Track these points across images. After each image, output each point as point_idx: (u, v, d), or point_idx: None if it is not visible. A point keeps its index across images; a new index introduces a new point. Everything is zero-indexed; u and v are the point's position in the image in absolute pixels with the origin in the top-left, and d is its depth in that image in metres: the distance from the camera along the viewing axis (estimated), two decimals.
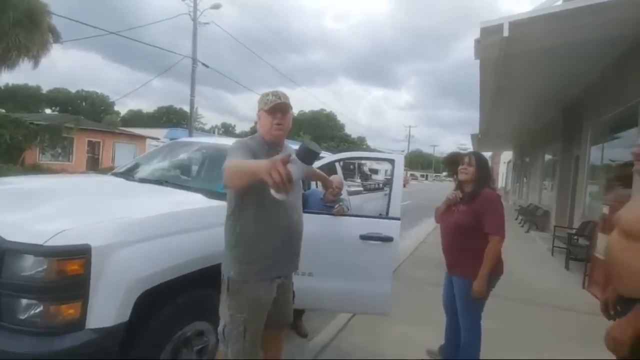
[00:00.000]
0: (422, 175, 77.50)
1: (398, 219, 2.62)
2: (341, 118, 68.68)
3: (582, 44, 4.99)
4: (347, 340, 3.06)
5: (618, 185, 5.90)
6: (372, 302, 2.64)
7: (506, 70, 5.68)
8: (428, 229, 9.26)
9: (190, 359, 1.99)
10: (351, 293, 2.59)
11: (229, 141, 3.51)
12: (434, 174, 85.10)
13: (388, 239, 2.55)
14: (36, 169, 15.23)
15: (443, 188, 36.27)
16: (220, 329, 1.81)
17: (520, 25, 4.00)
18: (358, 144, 67.06)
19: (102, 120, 43.13)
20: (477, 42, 4.40)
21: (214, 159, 3.22)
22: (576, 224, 7.30)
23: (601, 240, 4.60)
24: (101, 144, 22.37)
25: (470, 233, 2.28)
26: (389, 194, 2.74)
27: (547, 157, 11.61)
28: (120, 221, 1.73)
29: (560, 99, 8.28)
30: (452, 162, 15.47)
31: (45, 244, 1.49)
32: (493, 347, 2.54)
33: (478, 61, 5.48)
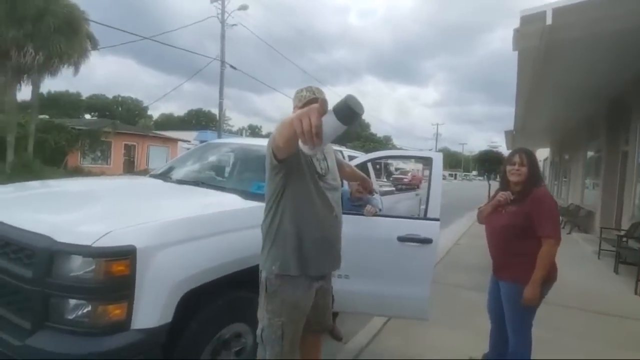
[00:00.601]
0: (451, 175, 75.46)
1: (437, 219, 2.51)
2: (366, 117, 67.89)
3: (633, 31, 4.61)
4: (383, 344, 2.98)
5: None
6: (411, 306, 2.55)
7: (547, 61, 5.36)
8: (461, 230, 8.95)
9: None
10: (389, 296, 2.51)
11: (261, 142, 3.52)
12: (463, 173, 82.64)
13: (427, 241, 2.45)
14: (78, 172, 16.12)
15: (473, 187, 35.07)
16: (258, 332, 1.79)
17: (565, 12, 3.75)
18: (384, 143, 66.22)
19: (136, 124, 45.05)
20: (516, 31, 4.18)
21: (247, 159, 3.24)
22: (624, 225, 6.81)
23: None
24: (136, 147, 23.36)
25: (521, 235, 2.14)
26: (427, 194, 2.63)
27: (590, 154, 10.93)
28: (163, 222, 1.74)
29: (606, 91, 7.74)
30: (485, 161, 14.87)
31: (94, 245, 1.52)
32: (540, 356, 2.37)
33: (516, 52, 5.22)
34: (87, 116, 48.05)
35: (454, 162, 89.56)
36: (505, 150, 20.29)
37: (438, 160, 2.66)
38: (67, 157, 17.74)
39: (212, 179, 2.97)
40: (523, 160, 2.19)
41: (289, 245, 1.69)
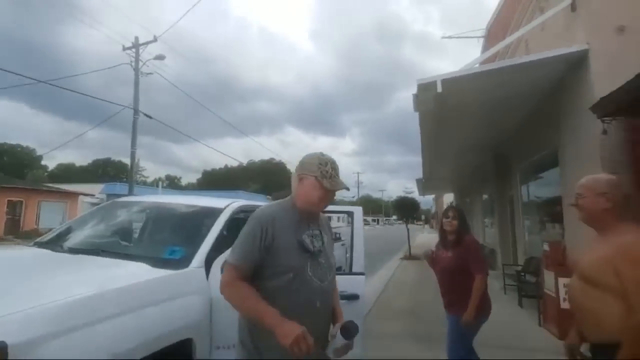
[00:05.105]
0: (374, 220, 79.41)
1: (362, 274, 2.52)
2: (290, 167, 69.18)
3: (505, 98, 5.66)
4: None
5: (548, 222, 6.44)
6: None
7: (442, 120, 6.20)
8: (387, 275, 9.21)
9: None
10: None
11: (179, 199, 3.24)
12: (385, 218, 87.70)
13: (354, 297, 2.42)
14: None
15: (395, 231, 36.94)
16: None
17: (452, 82, 4.44)
18: None
19: (26, 177, 39.12)
20: (415, 96, 4.77)
21: (161, 220, 2.93)
22: (521, 260, 7.72)
23: (547, 276, 4.83)
24: (23, 203, 20.01)
25: (460, 274, 2.61)
26: (351, 248, 2.65)
27: (485, 197, 12.55)
28: (42, 309, 1.40)
29: (491, 145, 9.17)
30: (402, 207, 16.08)
31: None
32: None
33: (417, 113, 5.93)
34: None
35: (376, 207, 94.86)
36: (417, 196, 22.23)
37: (358, 214, 2.73)
38: None
39: (116, 244, 2.59)
40: (455, 215, 2.77)
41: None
